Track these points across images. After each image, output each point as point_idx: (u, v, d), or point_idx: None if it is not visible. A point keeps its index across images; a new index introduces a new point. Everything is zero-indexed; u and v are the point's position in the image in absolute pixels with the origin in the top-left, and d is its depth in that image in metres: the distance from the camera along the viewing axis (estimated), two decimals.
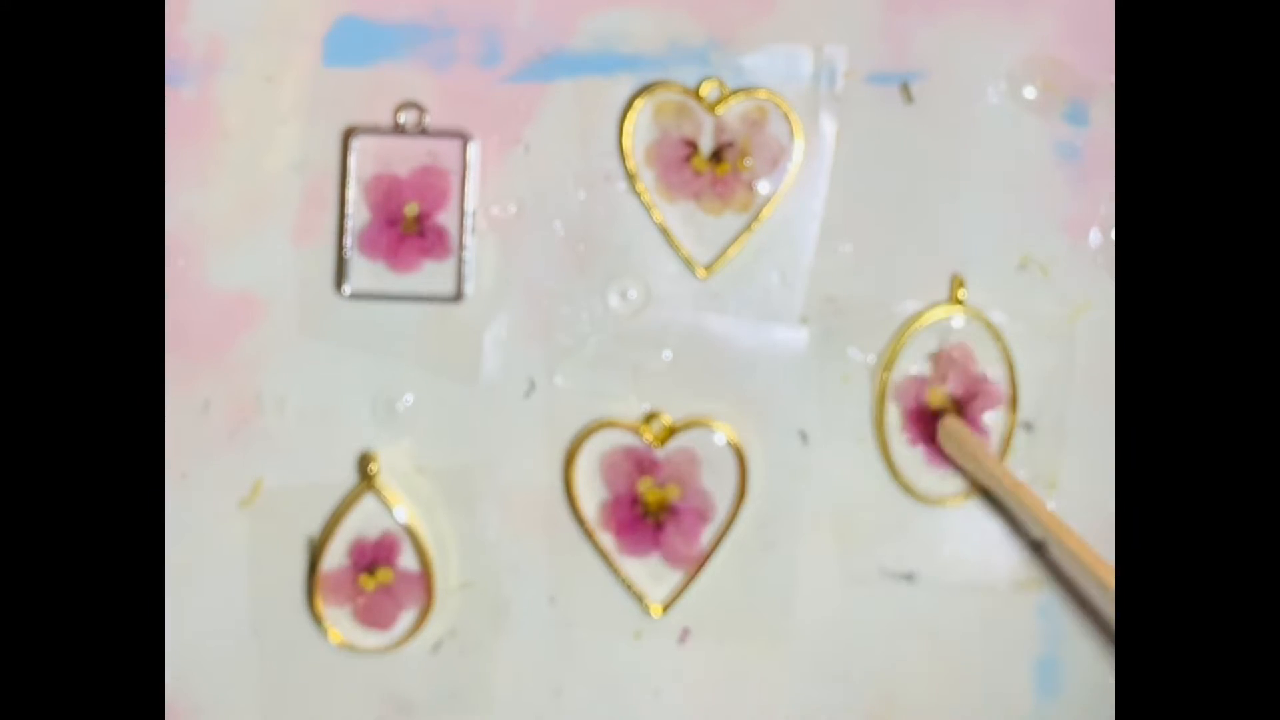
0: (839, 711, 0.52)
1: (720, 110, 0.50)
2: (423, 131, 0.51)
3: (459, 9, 0.50)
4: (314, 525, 0.51)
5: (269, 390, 0.51)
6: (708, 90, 0.50)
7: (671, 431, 0.51)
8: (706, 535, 0.51)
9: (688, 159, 0.51)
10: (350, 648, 0.51)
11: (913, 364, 0.51)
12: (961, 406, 0.51)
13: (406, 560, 0.51)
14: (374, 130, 0.51)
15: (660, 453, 0.51)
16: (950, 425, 0.49)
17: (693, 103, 0.50)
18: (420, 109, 0.51)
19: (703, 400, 0.51)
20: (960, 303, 0.51)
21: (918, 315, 0.51)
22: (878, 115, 0.51)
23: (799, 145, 0.51)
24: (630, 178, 0.51)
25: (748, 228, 0.51)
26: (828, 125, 0.51)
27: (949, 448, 0.49)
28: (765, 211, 0.51)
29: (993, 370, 0.51)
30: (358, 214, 0.51)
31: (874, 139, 0.51)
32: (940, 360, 0.51)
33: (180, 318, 0.51)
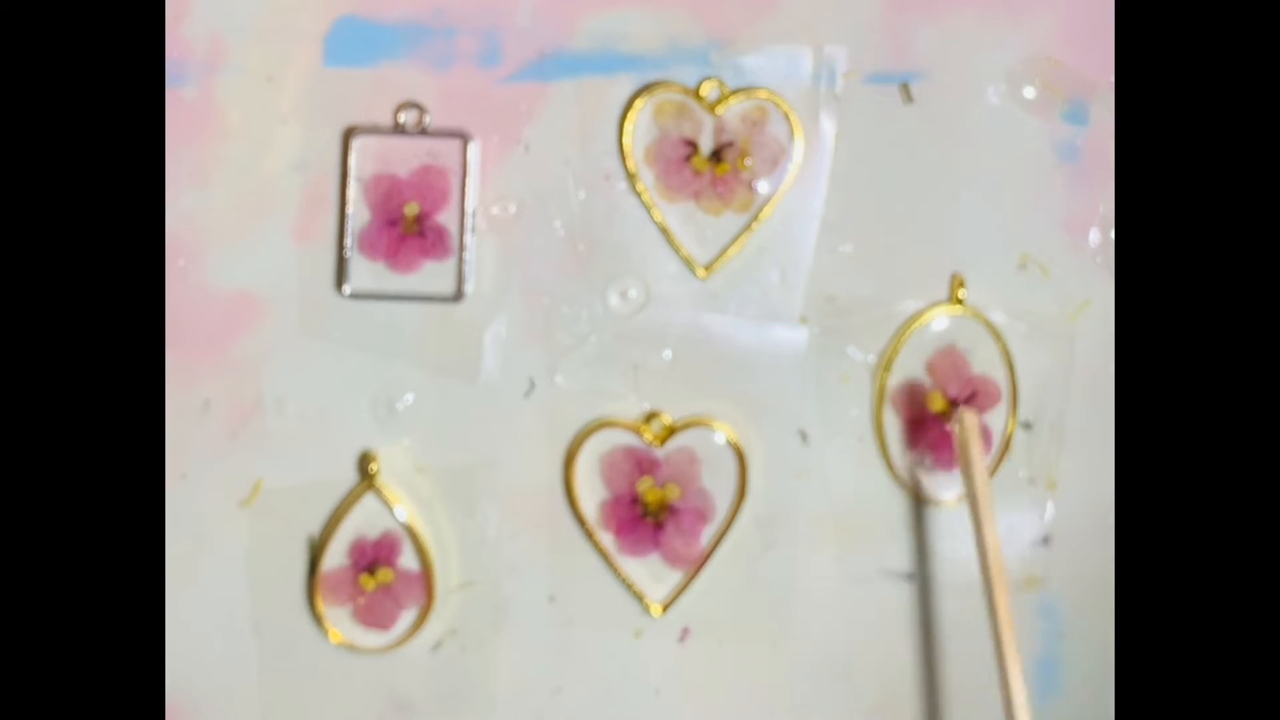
0: (839, 711, 0.52)
1: (720, 110, 0.50)
2: (423, 131, 0.51)
3: (459, 9, 0.50)
4: (314, 525, 0.51)
5: (269, 390, 0.51)
6: (708, 90, 0.50)
7: (671, 431, 0.51)
8: (706, 535, 0.51)
9: (688, 159, 0.51)
10: (350, 647, 0.51)
11: (913, 365, 0.51)
12: (959, 408, 0.51)
13: (406, 560, 0.51)
14: (374, 130, 0.51)
15: (660, 452, 0.51)
16: (966, 419, 0.49)
17: (693, 103, 0.50)
18: (420, 109, 0.51)
19: (703, 400, 0.51)
20: (960, 302, 0.51)
21: (918, 315, 0.51)
22: (878, 115, 0.51)
23: (799, 145, 0.51)
24: (630, 178, 0.51)
25: (748, 228, 0.51)
26: (828, 125, 0.51)
27: (959, 439, 0.49)
28: (765, 211, 0.51)
29: (992, 370, 0.51)
30: (358, 214, 0.51)
31: (874, 139, 0.51)
32: (935, 365, 0.51)
33: (180, 318, 0.51)
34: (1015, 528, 0.51)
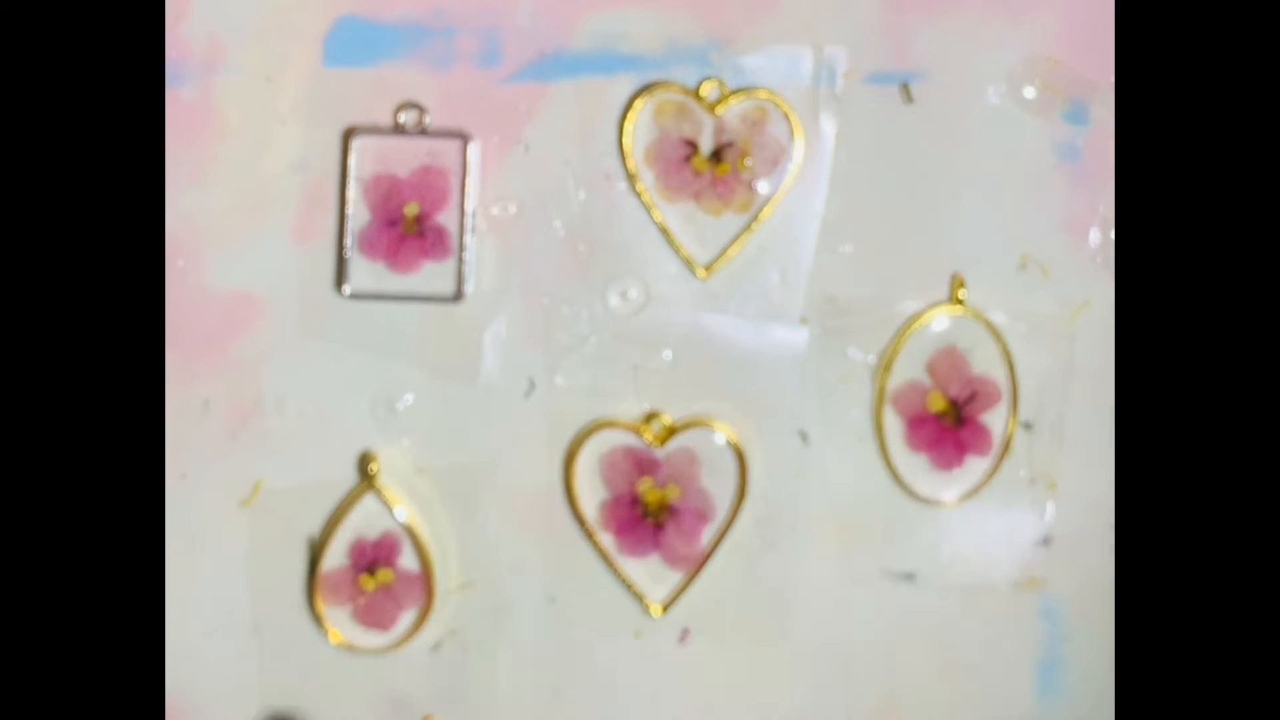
0: (839, 711, 0.52)
1: (720, 110, 0.50)
2: (423, 131, 0.51)
3: (459, 9, 0.50)
4: (314, 525, 0.51)
5: (269, 390, 0.51)
6: (708, 90, 0.50)
7: (671, 431, 0.51)
8: (706, 535, 0.51)
9: (688, 159, 0.51)
10: (350, 648, 0.51)
11: (913, 366, 0.51)
12: (960, 408, 0.51)
13: (406, 560, 0.51)
14: (374, 130, 0.51)
15: (660, 453, 0.51)
16: None
17: (693, 103, 0.50)
18: (420, 109, 0.51)
19: (703, 400, 0.51)
20: (960, 303, 0.51)
21: (918, 315, 0.51)
22: (878, 115, 0.51)
23: (799, 145, 0.51)
24: (630, 178, 0.51)
25: (748, 228, 0.51)
26: (828, 125, 0.51)
27: None
28: (765, 211, 0.51)
29: (992, 370, 0.51)
30: (358, 214, 0.51)
31: (874, 139, 0.51)
32: (935, 365, 0.51)
33: (180, 318, 0.51)
34: (1015, 528, 0.51)
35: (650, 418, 0.51)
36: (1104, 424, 0.51)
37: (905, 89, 0.51)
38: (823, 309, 0.51)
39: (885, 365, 0.51)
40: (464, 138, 0.50)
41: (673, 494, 0.51)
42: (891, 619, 0.51)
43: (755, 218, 0.51)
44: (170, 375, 0.51)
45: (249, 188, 0.51)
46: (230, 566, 0.51)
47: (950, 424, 0.51)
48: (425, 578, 0.51)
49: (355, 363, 0.51)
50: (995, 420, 0.51)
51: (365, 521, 0.51)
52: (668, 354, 0.51)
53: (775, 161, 0.51)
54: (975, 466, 0.51)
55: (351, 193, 0.51)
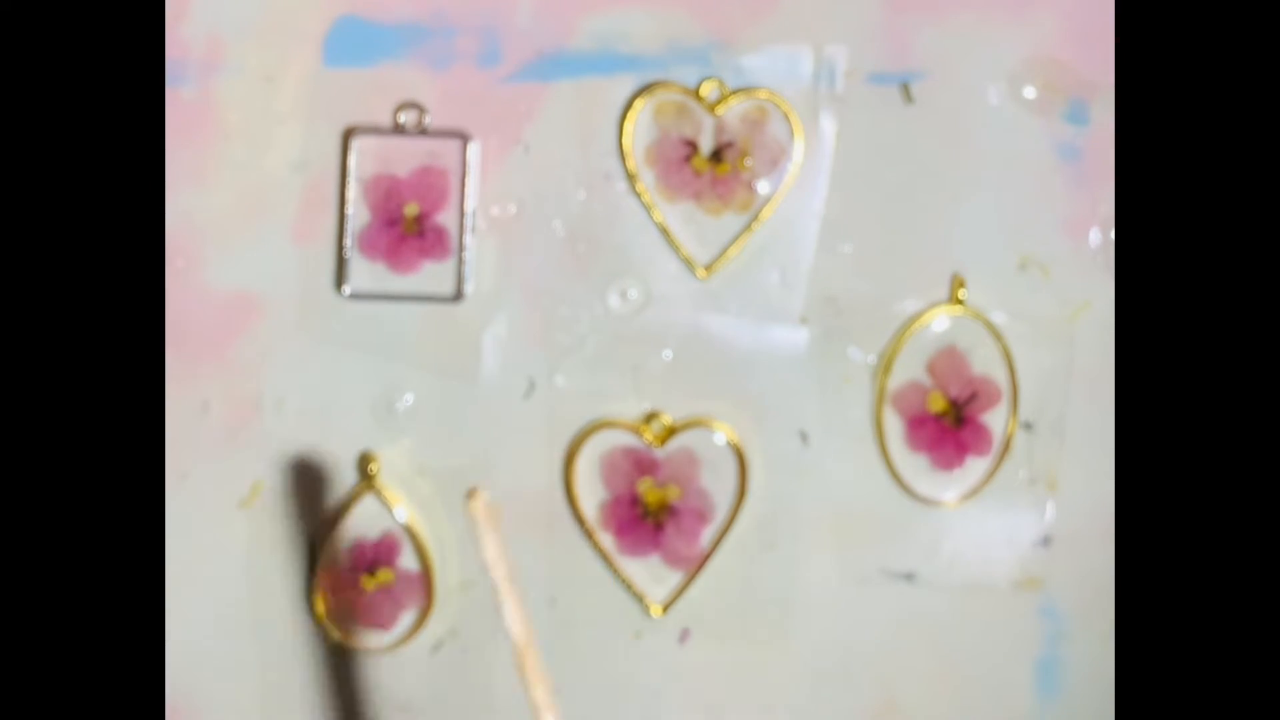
0: (839, 711, 0.52)
1: (720, 110, 0.50)
2: (423, 131, 0.51)
3: (459, 9, 0.50)
4: (314, 525, 0.51)
5: (269, 390, 0.51)
6: (708, 90, 0.50)
7: (671, 431, 0.51)
8: (706, 535, 0.51)
9: (688, 159, 0.51)
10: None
11: (913, 366, 0.51)
12: (960, 408, 0.51)
13: (406, 560, 0.51)
14: (374, 130, 0.51)
15: (660, 453, 0.51)
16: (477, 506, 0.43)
17: (693, 103, 0.50)
18: (420, 109, 0.51)
19: (703, 400, 0.51)
20: (960, 303, 0.51)
21: (918, 315, 0.51)
22: (878, 115, 0.51)
23: (799, 145, 0.51)
24: (630, 178, 0.51)
25: (748, 228, 0.51)
26: (828, 125, 0.51)
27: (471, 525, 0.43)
28: (765, 211, 0.51)
29: (992, 370, 0.51)
30: (358, 214, 0.51)
31: (874, 139, 0.51)
32: (935, 366, 0.51)
33: (180, 318, 0.51)
34: (1015, 528, 0.51)
35: (650, 418, 0.51)
36: (1104, 424, 0.51)
37: (905, 89, 0.51)
38: (823, 309, 0.51)
39: (885, 365, 0.51)
40: (464, 138, 0.50)
41: (673, 494, 0.51)
42: (891, 619, 0.51)
43: (755, 218, 0.51)
44: (170, 375, 0.51)
45: (249, 188, 0.51)
46: (230, 566, 0.51)
47: (950, 424, 0.51)
48: (425, 578, 0.51)
49: (355, 363, 0.51)
50: (995, 420, 0.51)
51: (365, 521, 0.51)
52: (668, 354, 0.51)
53: (775, 161, 0.51)
54: (975, 467, 0.51)
55: (351, 193, 0.51)
